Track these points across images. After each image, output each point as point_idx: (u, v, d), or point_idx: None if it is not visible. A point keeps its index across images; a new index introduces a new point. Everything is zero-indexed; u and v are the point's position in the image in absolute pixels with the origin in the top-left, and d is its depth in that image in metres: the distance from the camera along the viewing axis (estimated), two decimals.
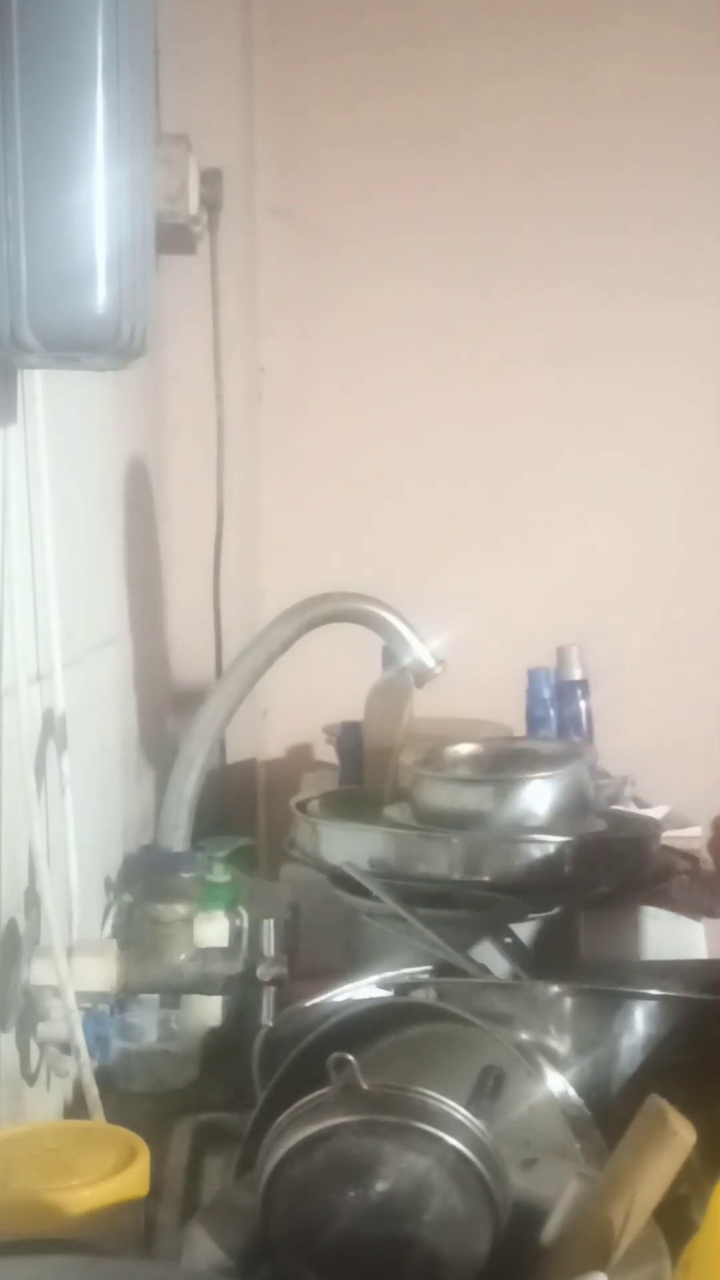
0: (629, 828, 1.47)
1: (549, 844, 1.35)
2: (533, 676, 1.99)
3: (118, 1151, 0.89)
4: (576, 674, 1.99)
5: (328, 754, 2.14)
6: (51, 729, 1.21)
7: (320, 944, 1.48)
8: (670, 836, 1.56)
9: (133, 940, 1.18)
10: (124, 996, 1.17)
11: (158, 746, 1.99)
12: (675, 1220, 0.78)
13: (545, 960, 1.10)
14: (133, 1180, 0.87)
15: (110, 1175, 0.86)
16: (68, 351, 0.91)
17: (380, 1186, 0.78)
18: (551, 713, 1.96)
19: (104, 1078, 1.12)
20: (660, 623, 2.38)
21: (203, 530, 2.36)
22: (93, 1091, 1.10)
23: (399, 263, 2.40)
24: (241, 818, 2.29)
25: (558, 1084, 0.95)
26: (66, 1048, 1.12)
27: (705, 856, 1.63)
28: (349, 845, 1.52)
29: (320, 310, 2.42)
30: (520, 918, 1.27)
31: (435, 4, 2.39)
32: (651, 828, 1.47)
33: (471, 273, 2.40)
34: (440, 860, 1.39)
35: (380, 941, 1.29)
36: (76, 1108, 1.14)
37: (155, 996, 1.21)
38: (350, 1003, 0.99)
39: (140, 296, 0.91)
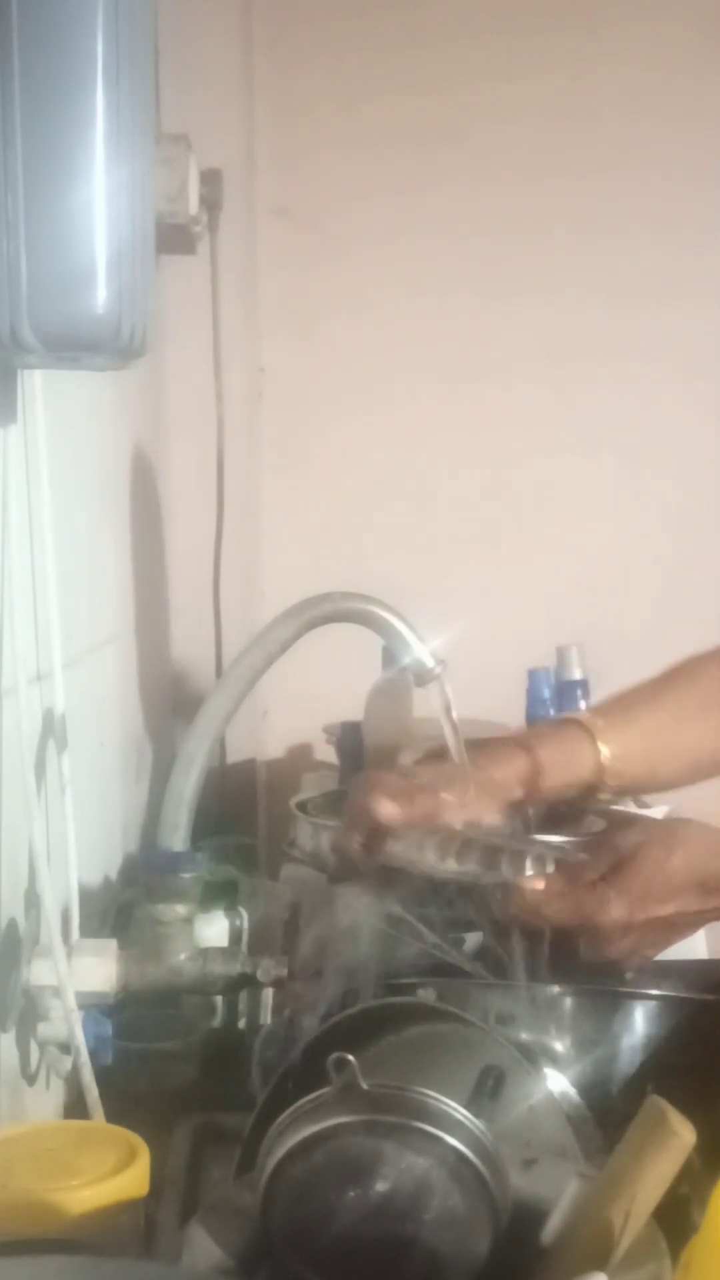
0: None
1: (548, 843, 1.35)
2: (533, 676, 1.99)
3: (118, 1151, 0.89)
4: (576, 674, 1.99)
5: (328, 754, 2.14)
6: (51, 729, 1.21)
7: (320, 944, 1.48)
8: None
9: (133, 940, 1.17)
10: (124, 996, 1.16)
11: (158, 746, 1.99)
12: (675, 1220, 0.78)
13: (544, 960, 1.10)
14: (133, 1180, 0.87)
15: (110, 1175, 0.86)
16: (68, 351, 0.91)
17: (380, 1186, 0.78)
18: (551, 713, 1.96)
19: (104, 1078, 1.12)
20: (660, 623, 2.38)
21: (203, 530, 2.36)
22: (93, 1091, 1.10)
23: (399, 263, 2.40)
24: (241, 818, 2.29)
25: (558, 1084, 0.95)
26: (66, 1048, 1.12)
27: None
28: None
29: (320, 310, 2.42)
30: None
31: (435, 4, 2.39)
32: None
33: (471, 273, 2.40)
34: None
35: (380, 941, 1.29)
36: (76, 1108, 1.13)
37: (155, 996, 1.21)
38: (350, 1002, 0.99)
39: (140, 296, 0.91)
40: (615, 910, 0.99)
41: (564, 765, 1.16)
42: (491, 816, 1.12)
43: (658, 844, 1.02)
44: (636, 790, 1.25)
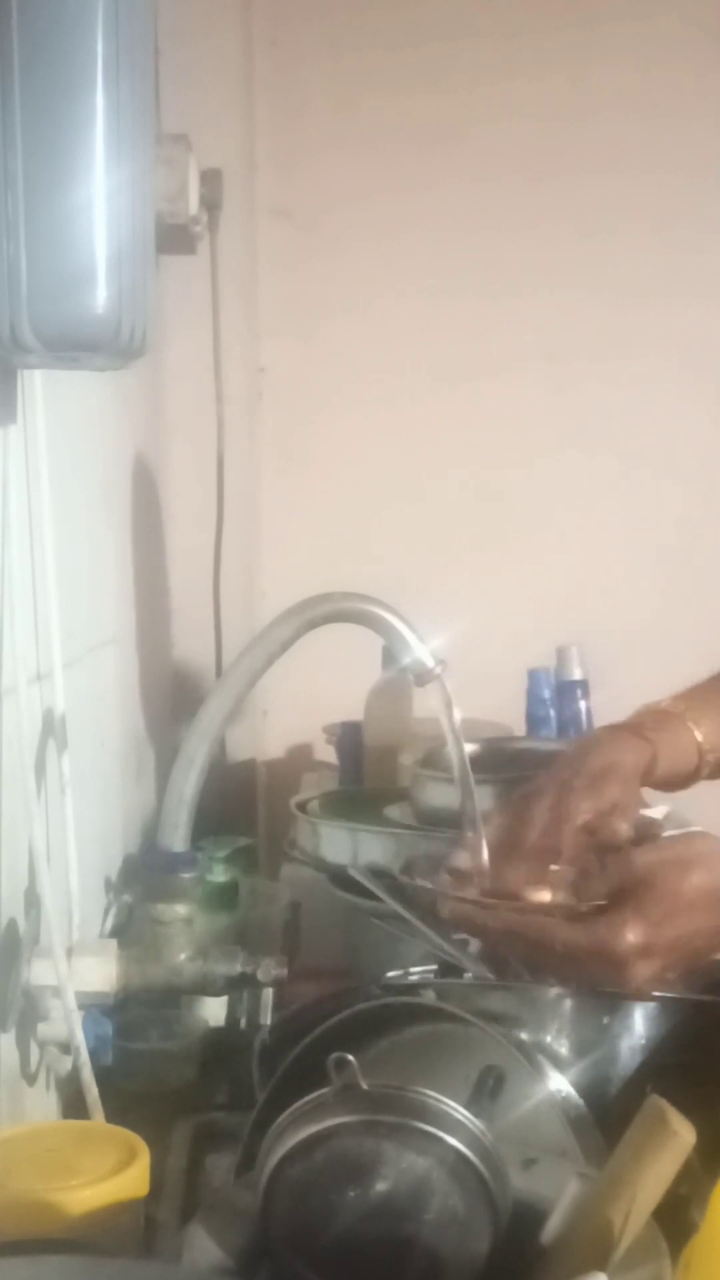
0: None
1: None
2: (533, 676, 1.99)
3: (118, 1151, 0.89)
4: (576, 674, 1.99)
5: (328, 754, 2.14)
6: (51, 729, 1.21)
7: (320, 944, 1.48)
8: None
9: (133, 940, 1.18)
10: (124, 996, 1.16)
11: (158, 746, 1.99)
12: (675, 1220, 0.78)
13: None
14: (133, 1180, 0.87)
15: (110, 1175, 0.86)
16: (68, 351, 0.91)
17: (380, 1186, 0.78)
18: (551, 713, 1.97)
19: (104, 1078, 1.12)
20: (660, 622, 2.38)
21: (203, 530, 2.36)
22: (93, 1091, 1.10)
23: (399, 263, 2.40)
24: (241, 818, 2.29)
25: (558, 1084, 0.95)
26: (66, 1048, 1.12)
27: None
28: (349, 845, 1.52)
29: (320, 310, 2.42)
30: None
31: (435, 4, 2.39)
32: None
33: (471, 273, 2.40)
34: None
35: (381, 942, 1.29)
36: (76, 1108, 1.14)
37: (155, 996, 1.21)
38: (350, 1003, 0.99)
39: (140, 296, 0.91)
40: (633, 935, 0.94)
41: (673, 752, 1.16)
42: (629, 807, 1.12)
43: (673, 862, 0.98)
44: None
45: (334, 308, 2.42)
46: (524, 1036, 0.97)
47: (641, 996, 0.98)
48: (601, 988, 0.98)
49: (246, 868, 1.76)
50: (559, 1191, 0.78)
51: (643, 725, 1.18)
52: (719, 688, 1.25)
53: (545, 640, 2.04)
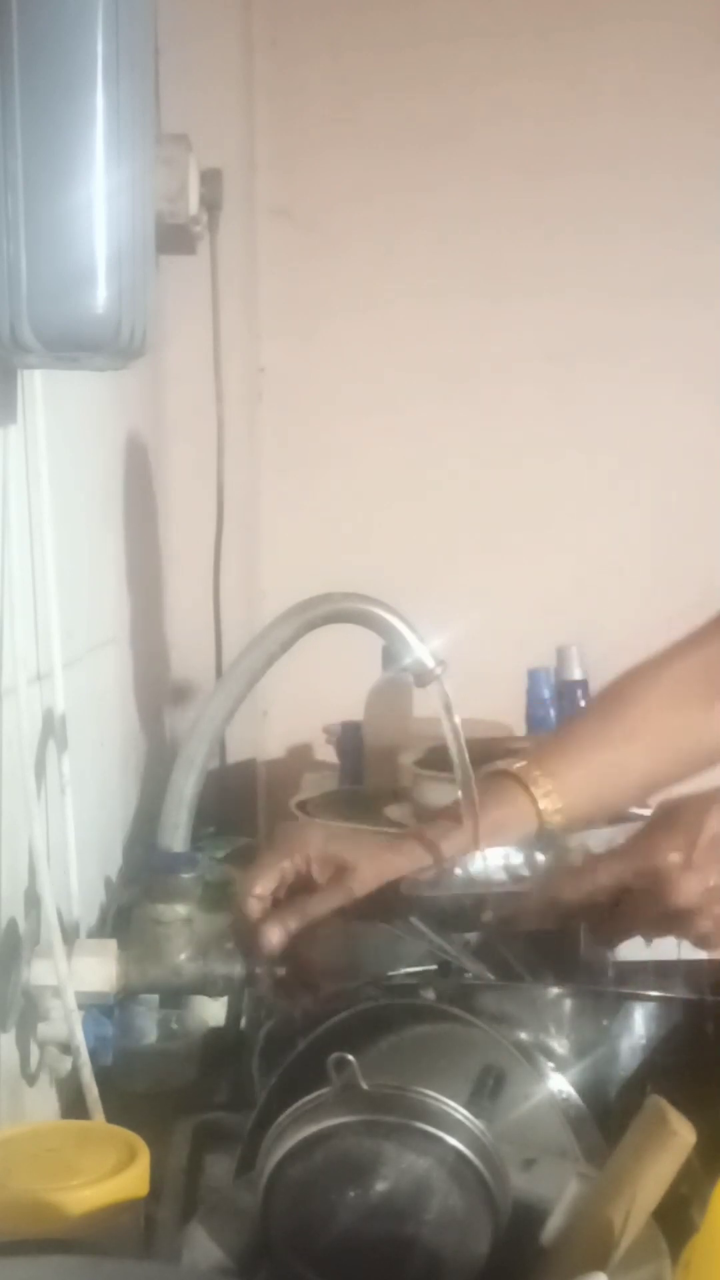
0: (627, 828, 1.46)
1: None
2: (533, 676, 1.99)
3: (118, 1151, 0.89)
4: (576, 674, 1.99)
5: (328, 754, 2.14)
6: (51, 729, 1.21)
7: (320, 944, 1.48)
8: None
9: (133, 940, 1.17)
10: (124, 996, 1.16)
11: (158, 746, 1.99)
12: (675, 1220, 0.78)
13: (545, 961, 1.10)
14: (133, 1180, 0.87)
15: (110, 1175, 0.86)
16: (68, 351, 0.91)
17: (380, 1186, 0.78)
18: (551, 713, 1.97)
19: (104, 1078, 1.12)
20: (660, 623, 2.37)
21: (203, 530, 2.36)
22: (93, 1091, 1.10)
23: (399, 263, 2.40)
24: (241, 818, 2.29)
25: (558, 1084, 0.95)
26: (66, 1048, 1.12)
27: None
28: None
29: (320, 310, 2.42)
30: None
31: (435, 4, 2.39)
32: None
33: (471, 273, 2.40)
34: None
35: (381, 942, 1.29)
36: (76, 1108, 1.13)
37: (155, 996, 1.21)
38: (350, 1003, 0.99)
39: (140, 296, 0.91)
40: (670, 849, 0.93)
41: (502, 828, 1.11)
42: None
43: (696, 796, 0.97)
44: (585, 827, 1.20)
45: (334, 308, 2.42)
46: (524, 1036, 0.97)
47: (696, 922, 0.95)
48: (663, 923, 0.96)
49: (246, 868, 1.75)
50: (559, 1191, 0.78)
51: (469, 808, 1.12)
52: (585, 735, 1.22)
53: (545, 640, 2.04)
